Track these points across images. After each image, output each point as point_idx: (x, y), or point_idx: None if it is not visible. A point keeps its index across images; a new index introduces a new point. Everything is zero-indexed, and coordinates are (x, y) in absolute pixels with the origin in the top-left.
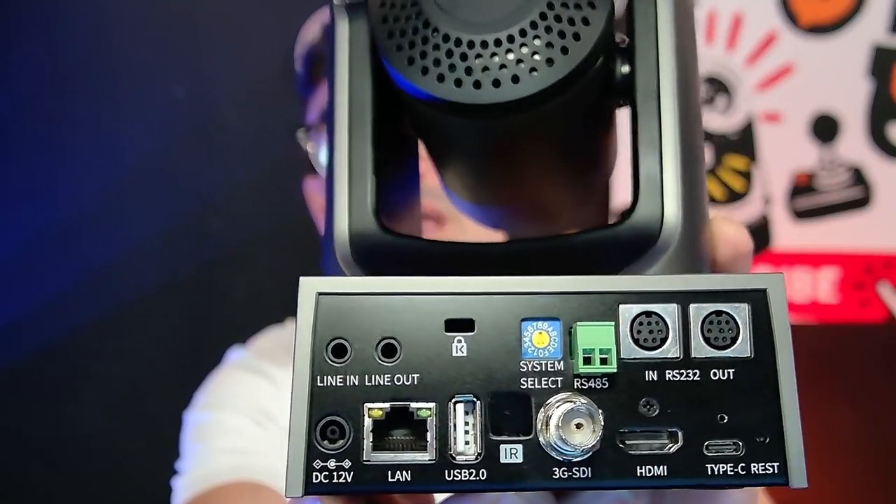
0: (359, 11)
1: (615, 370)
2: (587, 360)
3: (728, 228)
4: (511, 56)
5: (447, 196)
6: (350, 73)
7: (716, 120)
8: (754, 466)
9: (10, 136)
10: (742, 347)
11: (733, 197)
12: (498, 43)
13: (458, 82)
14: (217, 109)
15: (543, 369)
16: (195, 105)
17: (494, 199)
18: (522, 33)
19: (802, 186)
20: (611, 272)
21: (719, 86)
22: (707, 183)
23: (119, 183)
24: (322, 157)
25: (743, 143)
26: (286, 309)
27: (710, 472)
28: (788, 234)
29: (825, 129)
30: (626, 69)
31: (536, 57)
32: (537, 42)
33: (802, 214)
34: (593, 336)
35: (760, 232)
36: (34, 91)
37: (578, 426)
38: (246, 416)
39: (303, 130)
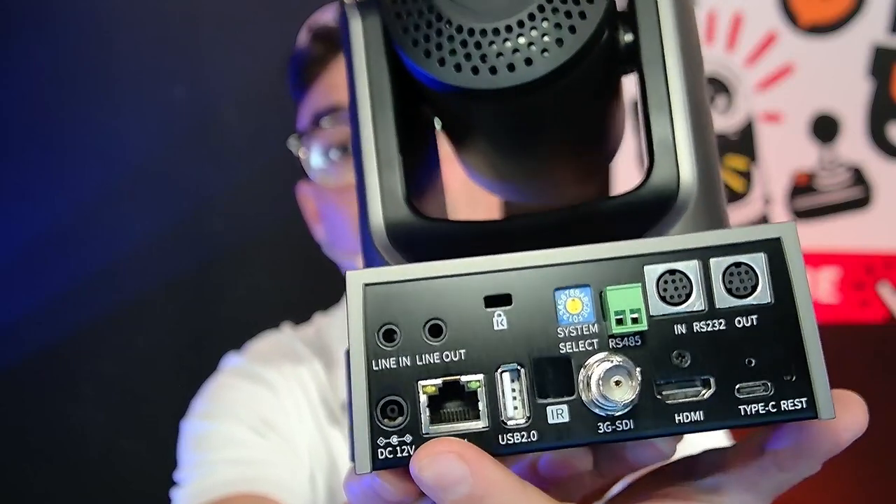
0: (369, 8)
1: (646, 328)
2: (619, 321)
3: (846, 417)
4: (522, 40)
5: (465, 172)
6: (368, 69)
7: (715, 120)
8: (784, 403)
9: (10, 137)
10: (762, 294)
11: (733, 197)
12: (509, 29)
13: (475, 70)
14: (217, 109)
15: (580, 333)
16: (195, 105)
17: (513, 175)
18: (531, 17)
19: (802, 186)
20: (634, 235)
21: (719, 86)
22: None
23: (119, 183)
24: (314, 162)
25: (743, 143)
26: (287, 309)
27: (743, 413)
28: None
29: (825, 129)
30: (629, 37)
31: (546, 39)
32: (545, 24)
33: (802, 214)
34: (623, 298)
35: None
36: (34, 91)
37: (618, 383)
38: (246, 426)
39: (295, 137)
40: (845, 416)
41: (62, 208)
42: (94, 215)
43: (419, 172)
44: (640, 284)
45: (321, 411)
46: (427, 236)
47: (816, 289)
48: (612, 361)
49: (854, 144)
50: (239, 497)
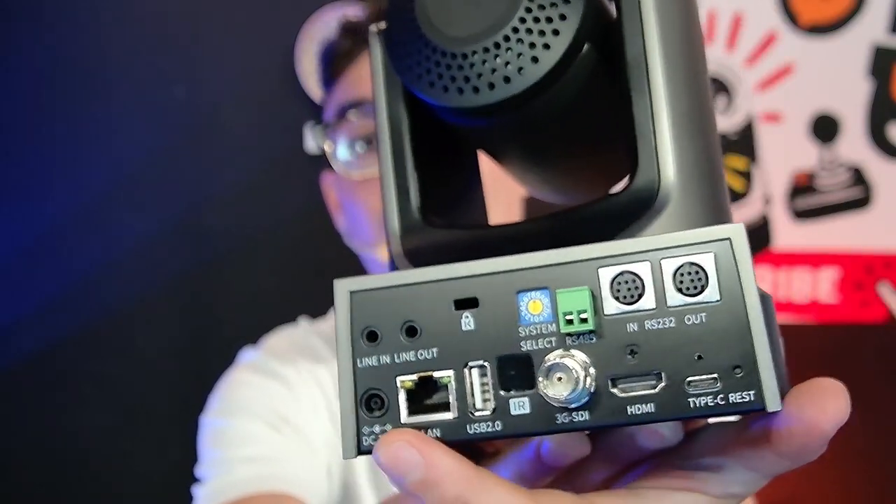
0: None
1: (593, 327)
2: (569, 321)
3: (826, 404)
4: (499, 60)
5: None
6: (386, 90)
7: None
8: (732, 396)
9: (11, 136)
10: (711, 293)
11: (733, 197)
12: (486, 50)
13: (460, 90)
14: (217, 109)
15: (539, 332)
16: (195, 105)
17: (544, 181)
18: (506, 39)
19: (802, 186)
20: (611, 236)
21: (719, 86)
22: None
23: (119, 183)
24: (339, 154)
25: (743, 143)
26: (287, 309)
27: (692, 405)
28: (788, 234)
29: (825, 129)
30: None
31: (521, 57)
32: (520, 45)
33: (802, 214)
34: (571, 299)
35: (760, 232)
36: (34, 91)
37: (560, 379)
38: (263, 422)
39: (321, 128)
40: (820, 406)
41: (62, 208)
42: (94, 215)
43: (451, 183)
44: (587, 287)
45: (336, 405)
46: (430, 244)
47: (817, 289)
48: (558, 360)
49: (854, 144)
50: (257, 496)
